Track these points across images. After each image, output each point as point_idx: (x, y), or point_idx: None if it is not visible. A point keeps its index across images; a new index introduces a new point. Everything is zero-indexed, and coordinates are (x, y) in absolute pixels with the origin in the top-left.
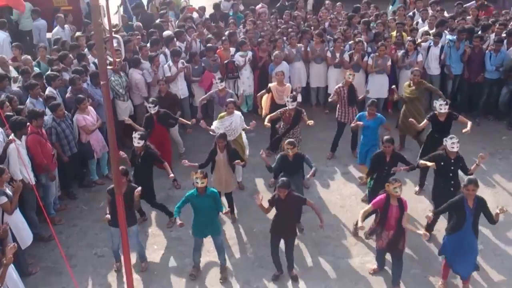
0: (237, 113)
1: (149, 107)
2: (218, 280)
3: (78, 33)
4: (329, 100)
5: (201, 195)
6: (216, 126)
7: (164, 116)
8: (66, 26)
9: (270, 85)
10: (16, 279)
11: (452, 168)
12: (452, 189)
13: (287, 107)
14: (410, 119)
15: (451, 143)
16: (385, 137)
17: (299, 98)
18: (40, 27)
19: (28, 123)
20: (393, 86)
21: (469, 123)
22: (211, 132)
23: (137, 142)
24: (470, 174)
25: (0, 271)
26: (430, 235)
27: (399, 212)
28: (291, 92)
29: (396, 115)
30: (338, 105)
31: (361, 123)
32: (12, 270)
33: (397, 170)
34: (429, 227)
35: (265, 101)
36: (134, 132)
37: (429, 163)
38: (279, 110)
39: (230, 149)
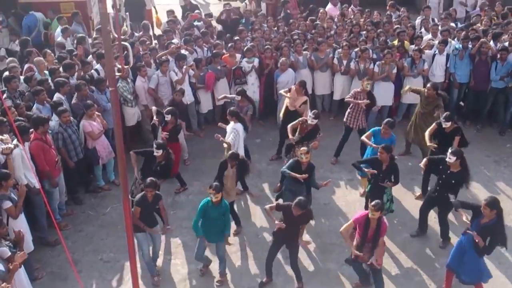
0: (232, 125)
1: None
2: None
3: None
4: (345, 99)
5: (215, 205)
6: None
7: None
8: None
9: (292, 87)
10: (25, 283)
11: (444, 176)
12: (436, 194)
13: (307, 119)
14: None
15: (449, 153)
16: (382, 145)
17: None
18: None
19: (31, 129)
20: None
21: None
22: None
23: (156, 152)
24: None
25: (7, 276)
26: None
27: (374, 234)
28: (303, 103)
29: (401, 122)
30: (348, 109)
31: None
32: (22, 274)
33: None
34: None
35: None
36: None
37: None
38: (300, 119)
39: (241, 165)
